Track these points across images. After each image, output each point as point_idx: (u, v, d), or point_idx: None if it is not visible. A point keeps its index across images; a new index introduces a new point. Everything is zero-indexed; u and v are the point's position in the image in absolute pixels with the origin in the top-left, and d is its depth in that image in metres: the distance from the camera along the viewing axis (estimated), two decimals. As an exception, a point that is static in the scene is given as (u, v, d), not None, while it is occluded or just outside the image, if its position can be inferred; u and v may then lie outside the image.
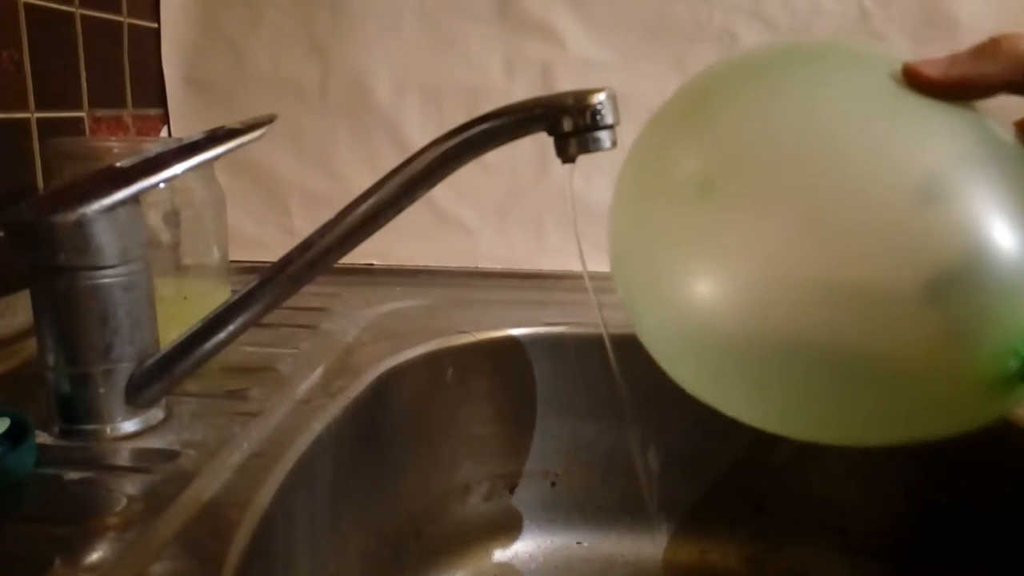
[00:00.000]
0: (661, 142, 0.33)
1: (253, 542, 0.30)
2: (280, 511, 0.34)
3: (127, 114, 0.66)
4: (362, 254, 0.61)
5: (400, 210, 0.36)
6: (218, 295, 0.51)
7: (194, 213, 0.51)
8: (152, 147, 0.37)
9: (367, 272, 0.72)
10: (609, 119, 0.35)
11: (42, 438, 0.36)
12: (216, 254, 0.53)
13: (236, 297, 0.37)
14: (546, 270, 0.72)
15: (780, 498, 0.56)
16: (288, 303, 0.37)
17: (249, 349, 0.49)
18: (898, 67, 0.29)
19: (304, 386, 0.45)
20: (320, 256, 0.36)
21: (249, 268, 0.65)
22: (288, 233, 0.73)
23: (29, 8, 0.52)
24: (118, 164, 0.36)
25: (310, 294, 0.47)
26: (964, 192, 0.26)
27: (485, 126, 0.35)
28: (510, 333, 0.55)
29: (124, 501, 0.32)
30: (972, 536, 0.48)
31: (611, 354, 0.38)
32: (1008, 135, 0.28)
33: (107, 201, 0.35)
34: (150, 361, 0.37)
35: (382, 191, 0.36)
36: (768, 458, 0.55)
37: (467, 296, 0.65)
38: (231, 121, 0.39)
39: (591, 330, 0.56)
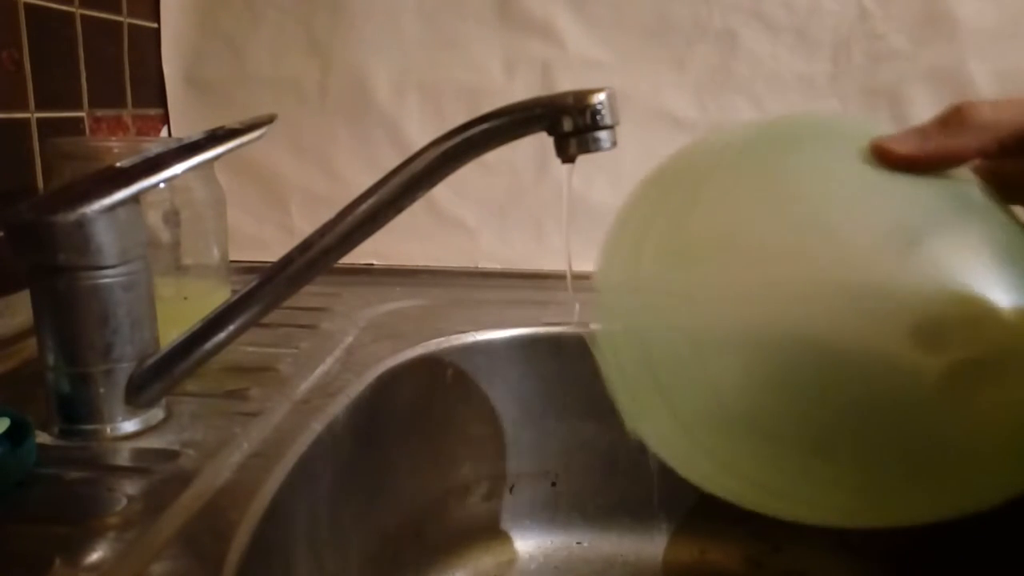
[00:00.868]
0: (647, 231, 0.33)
1: (253, 542, 0.30)
2: (280, 511, 0.34)
3: (127, 114, 0.66)
4: (362, 254, 0.61)
5: (400, 210, 0.36)
6: (218, 295, 0.51)
7: (194, 213, 0.51)
8: (152, 147, 0.37)
9: (367, 272, 0.72)
10: (609, 119, 0.35)
11: (42, 438, 0.36)
12: (216, 254, 0.53)
13: (236, 297, 0.37)
14: (546, 270, 0.72)
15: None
16: (288, 303, 0.37)
17: (249, 349, 0.49)
18: (865, 143, 0.29)
19: (304, 386, 0.45)
20: (320, 256, 0.36)
21: (249, 268, 0.65)
22: (288, 233, 0.73)
23: (29, 8, 0.52)
24: (118, 164, 0.36)
25: (310, 294, 0.47)
26: (938, 242, 0.26)
27: (485, 126, 0.35)
28: (510, 333, 0.55)
29: (124, 501, 0.32)
30: (972, 536, 0.48)
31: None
32: (974, 187, 0.29)
33: (107, 201, 0.34)
34: (150, 361, 0.37)
35: (382, 191, 0.36)
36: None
37: (467, 296, 0.65)
38: (231, 121, 0.39)
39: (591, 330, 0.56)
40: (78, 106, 0.58)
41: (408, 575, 0.51)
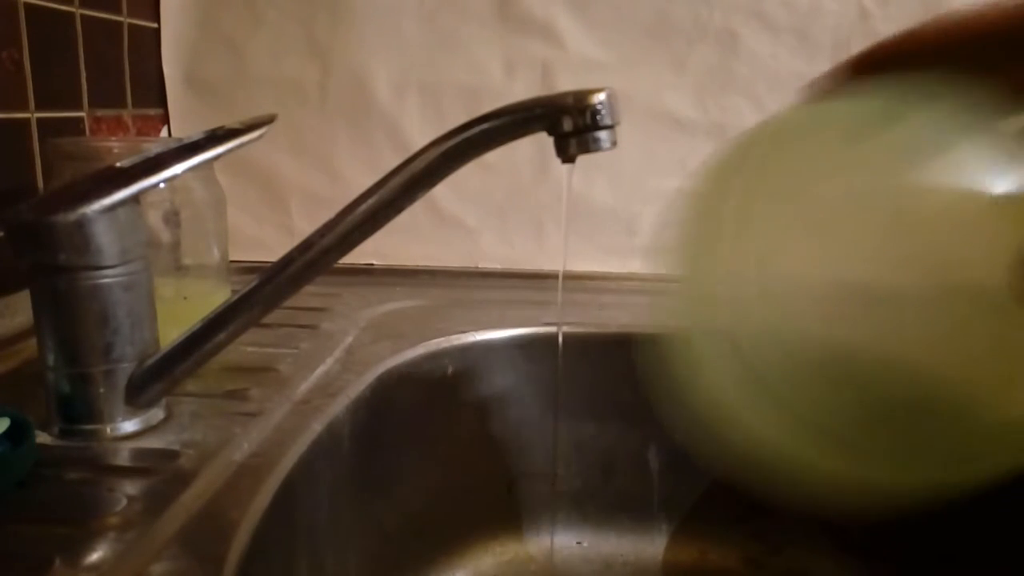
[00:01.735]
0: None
1: (253, 542, 0.30)
2: (280, 511, 0.34)
3: (127, 114, 0.66)
4: (362, 254, 0.61)
5: (400, 210, 0.36)
6: (218, 295, 0.51)
7: (194, 213, 0.51)
8: (152, 147, 0.37)
9: (367, 272, 0.72)
10: (609, 119, 0.35)
11: (42, 438, 0.36)
12: (216, 254, 0.53)
13: (236, 297, 0.37)
14: (546, 270, 0.72)
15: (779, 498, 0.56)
16: (288, 303, 0.37)
17: (249, 349, 0.49)
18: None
19: (304, 386, 0.45)
20: (320, 256, 0.36)
21: (249, 268, 0.65)
22: (288, 233, 0.73)
23: (29, 8, 0.52)
24: (118, 164, 0.36)
25: (310, 294, 0.47)
26: None
27: (485, 126, 0.35)
28: (510, 333, 0.55)
29: (124, 501, 0.32)
30: (972, 536, 0.48)
31: (561, 352, 0.38)
32: None
33: (107, 201, 0.34)
34: (150, 361, 0.37)
35: (382, 191, 0.36)
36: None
37: (467, 296, 0.65)
38: (231, 121, 0.38)
39: (591, 330, 0.56)
40: (78, 106, 0.58)
41: (408, 575, 0.51)
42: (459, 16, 0.70)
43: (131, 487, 0.33)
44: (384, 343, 0.52)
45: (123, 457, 0.36)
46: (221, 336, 0.37)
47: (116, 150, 0.46)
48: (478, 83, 0.70)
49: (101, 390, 0.36)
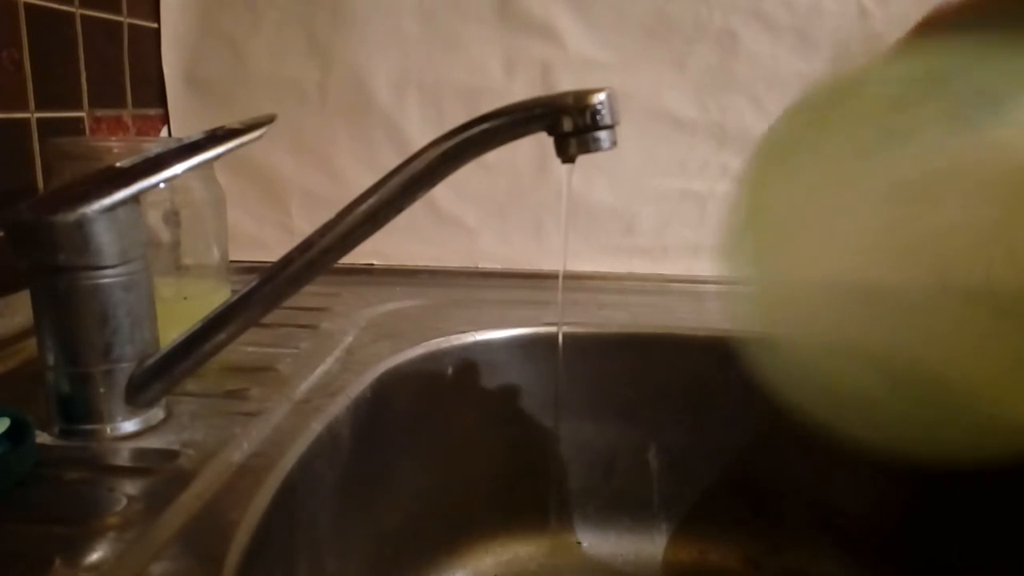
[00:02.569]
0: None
1: (253, 542, 0.30)
2: (280, 511, 0.34)
3: (127, 114, 0.66)
4: (362, 254, 0.61)
5: (400, 210, 0.36)
6: (218, 295, 0.51)
7: (194, 213, 0.51)
8: (152, 147, 0.37)
9: (367, 272, 0.72)
10: (609, 119, 0.35)
11: (42, 438, 0.36)
12: (216, 254, 0.53)
13: (236, 297, 0.37)
14: (546, 270, 0.72)
15: (779, 498, 0.56)
16: (288, 303, 0.37)
17: (249, 349, 0.49)
18: None
19: (304, 386, 0.45)
20: (320, 256, 0.36)
21: (249, 268, 0.65)
22: (288, 233, 0.73)
23: (29, 8, 0.52)
24: (118, 164, 0.36)
25: (310, 294, 0.47)
26: None
27: (485, 126, 0.35)
28: (510, 333, 0.55)
29: (124, 501, 0.32)
30: (972, 536, 0.48)
31: (561, 352, 0.38)
32: None
33: (107, 201, 0.34)
34: (150, 361, 0.37)
35: (382, 191, 0.36)
36: (768, 458, 0.55)
37: (467, 296, 0.65)
38: (231, 121, 0.38)
39: (591, 330, 0.56)
40: (78, 106, 0.58)
41: (408, 575, 0.51)
42: (459, 16, 0.70)
43: (131, 487, 0.33)
44: (384, 343, 0.52)
45: (123, 457, 0.36)
46: (221, 336, 0.37)
47: (116, 150, 0.46)
48: (478, 83, 0.70)
49: (101, 390, 0.36)
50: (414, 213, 0.39)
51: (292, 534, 0.37)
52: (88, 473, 0.34)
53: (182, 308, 0.48)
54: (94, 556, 0.28)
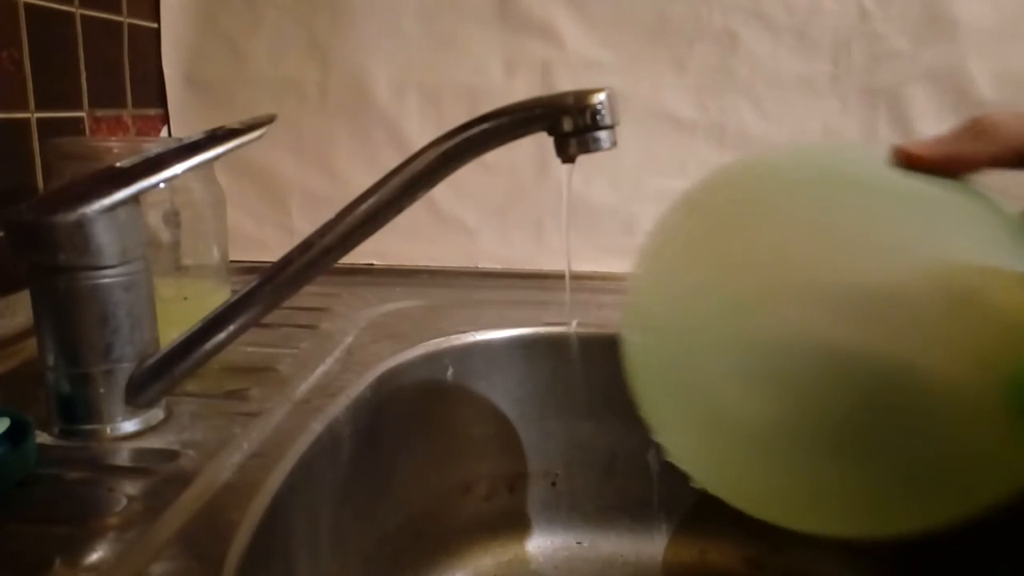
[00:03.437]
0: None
1: (253, 542, 0.30)
2: (280, 511, 0.34)
3: (127, 114, 0.66)
4: (362, 254, 0.61)
5: (400, 210, 0.36)
6: (218, 295, 0.51)
7: (194, 213, 0.51)
8: (152, 147, 0.37)
9: (367, 272, 0.72)
10: (609, 119, 0.35)
11: (42, 438, 0.36)
12: (216, 254, 0.53)
13: (236, 297, 0.37)
14: (546, 270, 0.72)
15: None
16: (288, 303, 0.37)
17: (249, 349, 0.49)
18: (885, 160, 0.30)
19: (304, 386, 0.45)
20: (320, 256, 0.36)
21: (249, 268, 0.65)
22: (288, 233, 0.73)
23: (29, 8, 0.52)
24: (118, 164, 0.36)
25: (310, 294, 0.47)
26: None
27: (485, 126, 0.35)
28: (510, 333, 0.55)
29: (124, 501, 0.32)
30: (972, 536, 0.48)
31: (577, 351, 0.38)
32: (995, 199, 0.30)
33: (107, 201, 0.34)
34: (150, 361, 0.37)
35: (382, 191, 0.36)
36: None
37: (467, 296, 0.65)
38: (231, 121, 0.38)
39: (591, 330, 0.56)
40: (78, 106, 0.58)
41: (408, 575, 0.51)
42: (459, 16, 0.70)
43: (131, 487, 0.33)
44: (384, 343, 0.52)
45: (123, 457, 0.36)
46: (221, 336, 0.37)
47: (116, 150, 0.46)
48: (478, 83, 0.70)
49: (101, 390, 0.36)
50: (414, 213, 0.39)
51: (292, 534, 0.37)
52: (88, 473, 0.34)
53: (182, 308, 0.48)
54: (94, 556, 0.28)
